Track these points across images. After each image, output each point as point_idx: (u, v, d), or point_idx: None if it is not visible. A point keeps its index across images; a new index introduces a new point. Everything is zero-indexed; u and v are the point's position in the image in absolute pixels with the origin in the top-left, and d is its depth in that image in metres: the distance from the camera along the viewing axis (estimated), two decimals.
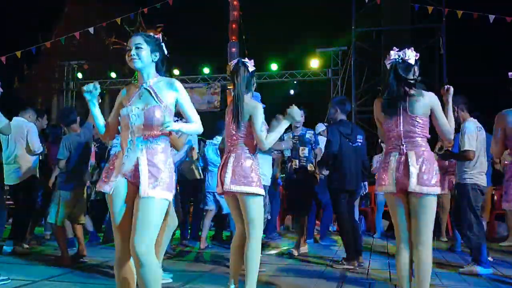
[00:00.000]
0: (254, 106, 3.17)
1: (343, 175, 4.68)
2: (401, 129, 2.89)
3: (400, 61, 2.91)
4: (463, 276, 4.28)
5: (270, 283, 3.85)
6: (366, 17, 12.01)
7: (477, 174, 4.48)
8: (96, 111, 2.47)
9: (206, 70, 14.36)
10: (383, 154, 3.07)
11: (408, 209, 2.90)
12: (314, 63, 13.48)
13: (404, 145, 2.86)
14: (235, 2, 13.66)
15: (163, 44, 2.53)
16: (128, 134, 2.36)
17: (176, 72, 14.32)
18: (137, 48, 2.39)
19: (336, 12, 13.78)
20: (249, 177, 3.07)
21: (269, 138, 3.11)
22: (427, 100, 2.88)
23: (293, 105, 3.19)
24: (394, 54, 2.93)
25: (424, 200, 2.80)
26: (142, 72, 2.44)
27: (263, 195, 3.17)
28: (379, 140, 6.85)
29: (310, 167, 5.42)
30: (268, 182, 4.46)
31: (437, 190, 2.82)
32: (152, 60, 2.45)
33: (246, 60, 3.32)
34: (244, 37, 14.04)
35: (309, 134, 5.45)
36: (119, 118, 2.44)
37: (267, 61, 13.86)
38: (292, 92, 14.00)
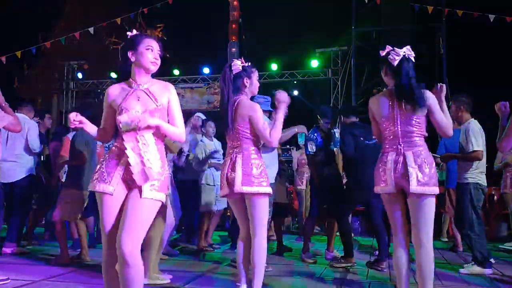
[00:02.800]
0: (251, 106, 3.13)
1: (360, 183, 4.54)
2: (399, 128, 2.86)
3: (408, 57, 2.87)
4: (463, 276, 4.28)
5: (270, 283, 3.85)
6: (366, 17, 12.00)
7: (479, 173, 4.50)
8: (88, 129, 2.46)
9: (206, 70, 14.35)
10: (381, 153, 3.01)
11: (405, 209, 2.90)
12: (314, 63, 13.48)
13: (402, 145, 2.84)
14: (235, 2, 13.67)
15: None
16: (128, 137, 2.34)
17: (176, 72, 14.32)
18: (159, 55, 2.45)
19: (336, 12, 13.79)
20: (260, 177, 3.06)
21: (273, 134, 3.09)
22: (424, 100, 2.85)
23: (280, 90, 3.20)
24: (404, 50, 2.87)
25: (424, 200, 2.79)
26: (145, 76, 2.45)
27: (271, 195, 3.18)
28: None
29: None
30: (272, 180, 4.39)
31: (437, 190, 2.81)
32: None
33: (235, 61, 3.25)
34: (244, 37, 14.04)
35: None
36: (118, 119, 2.38)
37: (267, 61, 13.86)
38: (296, 93, 13.97)
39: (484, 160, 4.54)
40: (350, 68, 12.24)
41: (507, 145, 3.51)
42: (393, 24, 11.26)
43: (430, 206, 2.82)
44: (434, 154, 3.14)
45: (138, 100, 2.39)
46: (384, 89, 2.99)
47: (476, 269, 4.36)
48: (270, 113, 4.55)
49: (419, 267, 2.80)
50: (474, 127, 4.42)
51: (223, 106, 3.19)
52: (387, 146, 2.93)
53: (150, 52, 2.41)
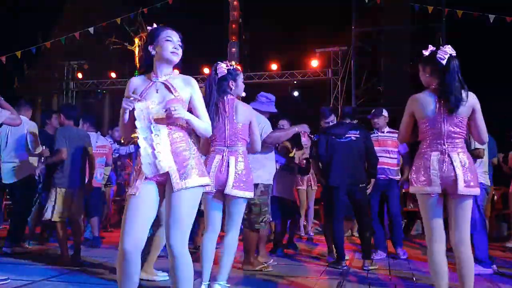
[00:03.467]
0: (253, 113, 3.35)
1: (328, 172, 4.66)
2: (445, 128, 2.81)
3: (455, 56, 2.84)
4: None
5: (270, 283, 3.85)
6: (366, 17, 12.00)
7: (482, 173, 4.55)
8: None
9: (206, 70, 14.35)
10: (419, 153, 2.92)
11: (443, 210, 2.88)
12: (314, 63, 13.48)
13: (446, 145, 2.80)
14: (235, 2, 13.67)
15: None
16: (146, 129, 2.31)
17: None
18: (180, 45, 2.44)
19: (336, 12, 13.78)
20: (248, 182, 3.22)
21: (259, 144, 3.44)
22: (470, 101, 2.82)
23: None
24: (448, 49, 2.83)
25: (468, 200, 2.80)
26: (166, 67, 2.44)
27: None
28: None
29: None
30: (271, 181, 4.37)
31: (478, 190, 2.83)
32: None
33: (222, 64, 3.35)
34: (244, 37, 14.04)
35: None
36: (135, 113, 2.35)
37: (267, 61, 13.86)
38: (296, 93, 13.96)
39: (486, 159, 4.59)
40: (350, 68, 12.24)
41: None
42: (393, 24, 11.28)
43: (470, 205, 2.84)
44: None
45: (157, 92, 2.39)
46: (430, 88, 2.91)
47: (478, 268, 4.37)
48: (269, 114, 4.55)
49: (462, 265, 2.80)
50: None
51: (209, 109, 3.20)
52: (428, 147, 2.86)
53: (170, 43, 2.40)
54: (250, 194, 3.26)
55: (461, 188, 2.74)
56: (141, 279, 3.70)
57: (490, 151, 5.34)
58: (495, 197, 8.25)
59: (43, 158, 5.53)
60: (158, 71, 2.44)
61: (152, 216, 2.36)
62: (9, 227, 5.39)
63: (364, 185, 4.72)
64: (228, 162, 3.19)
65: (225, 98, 3.29)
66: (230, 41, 13.48)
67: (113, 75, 15.04)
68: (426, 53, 2.93)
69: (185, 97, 2.41)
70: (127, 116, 2.36)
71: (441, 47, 2.87)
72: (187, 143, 2.38)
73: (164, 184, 2.37)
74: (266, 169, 4.26)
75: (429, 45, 2.95)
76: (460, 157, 2.78)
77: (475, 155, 4.38)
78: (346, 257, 4.74)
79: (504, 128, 6.90)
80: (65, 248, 4.54)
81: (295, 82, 13.91)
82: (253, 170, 4.16)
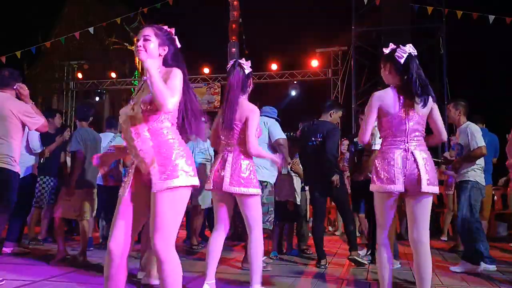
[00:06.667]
0: (251, 110, 3.24)
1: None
2: (408, 126, 2.80)
3: (414, 55, 2.86)
4: (463, 276, 4.28)
5: (270, 283, 3.85)
6: (366, 17, 12.00)
7: (479, 172, 4.61)
8: None
9: (206, 70, 14.35)
10: (381, 151, 2.92)
11: (396, 208, 2.89)
12: (314, 63, 13.48)
13: (409, 143, 2.80)
14: (235, 2, 13.65)
15: (175, 37, 2.43)
16: (130, 137, 2.25)
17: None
18: (145, 40, 2.32)
19: (336, 12, 13.81)
20: (247, 178, 3.18)
21: (258, 148, 3.24)
22: (429, 100, 2.84)
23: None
24: (408, 47, 2.85)
25: (428, 199, 2.80)
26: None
27: (260, 194, 3.28)
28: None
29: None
30: (273, 179, 4.48)
31: (438, 189, 2.82)
32: (160, 54, 2.37)
33: (243, 61, 3.34)
34: (244, 37, 14.03)
35: None
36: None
37: (267, 61, 13.85)
38: (293, 93, 13.96)
39: (483, 159, 4.62)
40: (350, 68, 12.25)
41: None
42: (393, 24, 11.28)
43: (430, 204, 2.83)
44: (434, 159, 3.11)
45: (143, 90, 2.33)
46: (392, 85, 2.92)
47: (467, 266, 4.41)
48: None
49: (418, 265, 2.77)
50: (475, 126, 4.62)
51: (230, 105, 3.21)
52: (389, 145, 2.84)
53: (136, 43, 2.35)
54: (253, 191, 3.18)
55: (424, 186, 2.73)
56: (141, 281, 3.71)
57: (490, 149, 5.37)
58: (495, 197, 8.25)
59: (42, 159, 5.54)
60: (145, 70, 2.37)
61: (141, 219, 2.30)
62: (8, 227, 5.38)
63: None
64: (226, 160, 3.21)
65: (240, 98, 3.28)
66: (230, 41, 13.46)
67: (113, 75, 15.03)
68: (386, 51, 2.93)
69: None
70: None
71: (401, 45, 2.88)
72: (173, 142, 2.26)
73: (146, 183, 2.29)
74: (274, 169, 4.40)
75: (390, 43, 2.94)
76: (422, 155, 2.78)
77: (477, 154, 4.45)
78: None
79: (505, 128, 6.91)
80: (63, 246, 4.57)
81: (295, 82, 13.90)
82: (262, 168, 4.25)
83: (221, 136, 3.32)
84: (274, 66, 13.80)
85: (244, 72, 3.29)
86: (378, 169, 2.83)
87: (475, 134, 4.50)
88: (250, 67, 3.36)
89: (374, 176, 2.85)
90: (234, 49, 13.25)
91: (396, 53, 2.84)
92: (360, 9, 11.74)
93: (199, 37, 15.77)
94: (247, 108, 3.23)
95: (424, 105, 2.79)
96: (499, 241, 7.08)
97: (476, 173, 4.57)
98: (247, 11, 14.26)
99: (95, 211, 4.95)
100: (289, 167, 5.37)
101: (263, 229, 4.28)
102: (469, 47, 13.69)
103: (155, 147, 2.23)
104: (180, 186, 2.19)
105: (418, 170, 2.74)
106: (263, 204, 4.16)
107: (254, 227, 3.24)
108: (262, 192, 4.19)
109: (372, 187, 2.86)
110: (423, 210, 2.79)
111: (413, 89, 2.78)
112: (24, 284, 3.58)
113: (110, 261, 2.22)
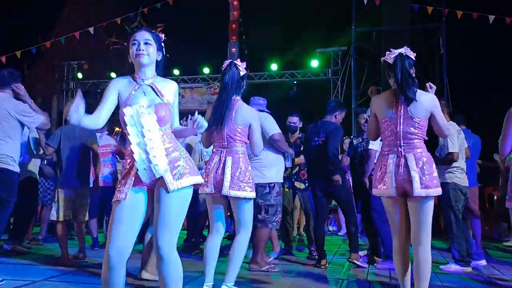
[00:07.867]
0: (254, 116, 3.32)
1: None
2: (401, 129, 2.83)
3: (405, 55, 2.88)
4: (462, 276, 4.28)
5: (270, 283, 3.85)
6: (366, 17, 12.00)
7: (458, 174, 4.52)
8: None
9: (206, 70, 14.34)
10: (380, 155, 3.00)
11: (405, 212, 2.90)
12: (314, 63, 13.48)
13: (402, 147, 2.82)
14: (235, 2, 13.67)
15: (163, 45, 2.49)
16: (137, 134, 2.23)
17: (176, 72, 14.31)
18: (146, 43, 2.34)
19: (336, 12, 13.78)
20: (246, 182, 3.19)
21: (262, 149, 3.41)
22: (428, 102, 2.85)
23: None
24: (401, 49, 2.89)
25: (427, 202, 2.80)
26: (144, 69, 2.37)
27: (254, 198, 3.33)
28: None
29: (298, 184, 5.51)
30: (281, 179, 4.47)
31: (439, 191, 2.82)
32: (156, 59, 2.41)
33: (238, 62, 3.34)
34: (244, 37, 14.04)
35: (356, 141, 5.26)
36: (122, 113, 2.28)
37: (267, 61, 13.84)
38: (291, 92, 13.97)
39: (463, 161, 4.57)
40: (350, 68, 12.24)
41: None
42: (393, 24, 11.27)
43: (431, 207, 2.84)
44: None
45: (145, 94, 2.35)
46: (391, 88, 2.96)
47: (455, 267, 4.42)
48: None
49: (417, 265, 2.81)
50: (452, 130, 4.39)
51: (222, 105, 3.22)
52: (386, 148, 2.90)
53: (135, 46, 2.33)
54: (250, 194, 3.22)
55: (417, 190, 2.74)
56: (142, 279, 3.72)
57: (474, 151, 5.35)
58: (495, 197, 8.25)
59: (45, 160, 5.54)
60: (141, 73, 2.38)
61: (139, 223, 2.29)
62: (12, 226, 5.40)
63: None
64: (225, 163, 3.19)
65: (235, 99, 3.29)
66: (230, 41, 13.47)
67: (113, 75, 15.01)
68: (383, 58, 3.00)
69: (171, 101, 2.39)
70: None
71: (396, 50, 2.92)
72: (175, 143, 2.35)
73: (153, 188, 2.30)
74: (279, 168, 4.41)
75: (391, 49, 2.95)
76: (416, 158, 2.78)
77: (449, 159, 4.35)
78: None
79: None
80: (66, 248, 4.53)
81: (295, 82, 13.90)
82: (268, 169, 4.25)
83: (215, 137, 3.29)
84: (274, 66, 13.80)
85: (239, 73, 3.30)
86: (376, 172, 2.93)
87: (447, 139, 4.28)
88: (246, 68, 3.37)
89: (373, 180, 2.96)
90: (234, 49, 13.26)
91: (386, 55, 2.92)
92: (360, 9, 11.72)
93: (199, 37, 15.75)
94: (250, 116, 3.30)
95: (410, 104, 2.80)
96: (499, 241, 7.08)
97: (454, 174, 4.48)
98: (247, 11, 14.28)
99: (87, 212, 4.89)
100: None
101: (270, 228, 4.33)
102: (469, 47, 13.69)
103: (166, 149, 2.28)
104: (188, 186, 2.28)
105: (410, 174, 2.76)
106: (271, 205, 4.24)
107: (244, 228, 3.28)
108: (270, 193, 4.22)
109: (373, 191, 2.97)
110: (421, 213, 2.81)
111: (403, 88, 2.81)
112: (24, 284, 3.58)
113: (110, 268, 2.19)
